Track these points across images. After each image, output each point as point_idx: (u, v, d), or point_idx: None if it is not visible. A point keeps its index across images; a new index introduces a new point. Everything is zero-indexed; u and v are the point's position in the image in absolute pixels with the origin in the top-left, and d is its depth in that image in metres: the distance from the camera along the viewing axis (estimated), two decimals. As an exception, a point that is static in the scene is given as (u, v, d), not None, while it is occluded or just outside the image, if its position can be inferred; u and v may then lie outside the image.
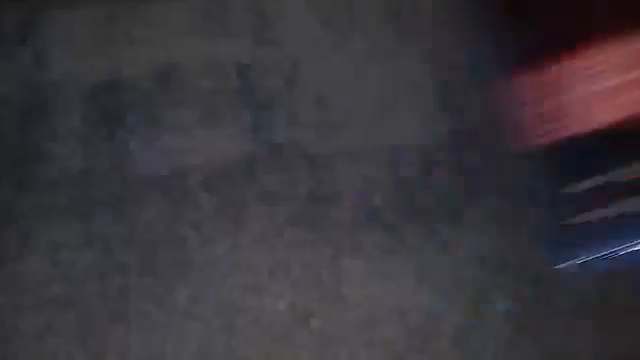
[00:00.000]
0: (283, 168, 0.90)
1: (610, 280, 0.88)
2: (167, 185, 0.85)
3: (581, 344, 0.84)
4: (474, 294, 0.86)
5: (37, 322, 0.71)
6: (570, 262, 0.86)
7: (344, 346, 0.80)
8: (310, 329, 0.80)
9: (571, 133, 0.88)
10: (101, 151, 0.85)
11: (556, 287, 0.88)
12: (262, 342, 0.76)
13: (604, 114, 0.88)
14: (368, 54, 1.01)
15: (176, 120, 0.90)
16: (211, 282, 0.78)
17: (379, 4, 1.01)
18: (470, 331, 0.84)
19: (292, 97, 0.96)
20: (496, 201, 0.93)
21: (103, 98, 0.90)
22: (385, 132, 0.96)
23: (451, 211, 0.92)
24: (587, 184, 0.86)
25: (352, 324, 0.82)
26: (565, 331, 0.86)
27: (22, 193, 0.79)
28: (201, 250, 0.80)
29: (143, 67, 0.94)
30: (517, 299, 0.87)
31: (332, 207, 0.89)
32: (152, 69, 0.94)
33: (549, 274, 0.88)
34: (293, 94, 0.96)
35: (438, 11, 1.02)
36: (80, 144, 0.86)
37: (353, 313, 0.82)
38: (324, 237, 0.86)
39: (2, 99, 0.87)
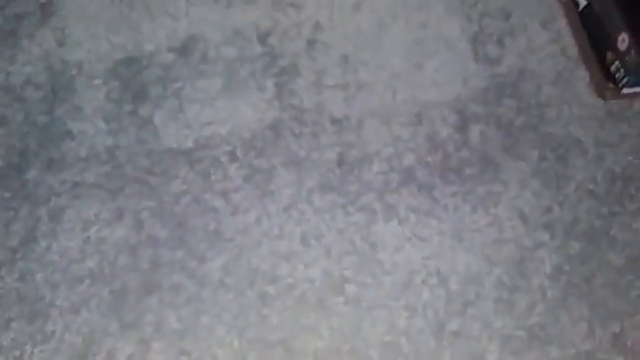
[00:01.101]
0: (310, 133, 0.88)
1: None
2: (194, 157, 0.84)
3: (632, 301, 0.79)
4: (517, 253, 0.82)
5: (72, 297, 0.72)
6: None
7: (382, 312, 0.77)
8: (346, 296, 0.78)
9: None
10: (127, 127, 0.85)
11: (606, 242, 0.82)
12: (297, 311, 0.75)
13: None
14: (392, 9, 0.96)
15: (199, 91, 0.89)
16: (243, 252, 0.77)
17: (401, -46, 0.96)
18: (514, 292, 0.80)
19: (315, 60, 0.92)
20: (538, 154, 0.88)
21: (126, 74, 0.89)
22: (415, 89, 0.92)
23: (488, 167, 0.87)
24: None
25: (389, 289, 0.79)
26: (615, 288, 0.80)
27: (52, 172, 0.80)
28: (231, 220, 0.79)
29: (163, 41, 0.93)
30: (564, 257, 0.82)
31: (363, 170, 0.86)
32: (172, 42, 0.93)
33: (599, 227, 0.83)
34: (316, 56, 0.93)
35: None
36: (106, 121, 0.85)
37: (390, 278, 0.80)
38: (356, 202, 0.84)
39: (28, 80, 0.87)
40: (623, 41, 0.88)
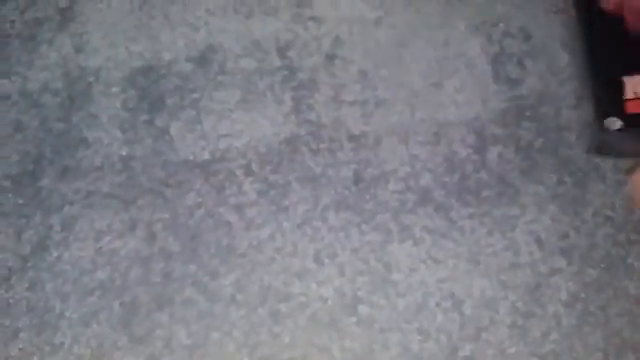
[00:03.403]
0: (327, 149, 0.87)
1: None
2: (209, 169, 0.83)
3: (652, 332, 0.78)
4: (533, 279, 0.81)
5: (83, 308, 0.71)
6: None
7: (394, 335, 0.76)
8: (358, 316, 0.77)
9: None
10: (142, 137, 0.84)
11: (623, 270, 0.81)
12: (308, 330, 0.74)
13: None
14: (412, 26, 0.95)
15: (216, 103, 0.88)
16: (255, 268, 0.76)
17: (425, -28, 0.95)
18: (529, 319, 0.79)
19: (334, 75, 0.92)
20: (556, 179, 0.87)
21: (143, 83, 0.89)
22: (434, 108, 0.91)
23: (506, 190, 0.86)
24: None
25: (402, 312, 0.78)
26: (632, 318, 0.79)
27: (66, 180, 0.79)
28: (245, 235, 0.78)
29: (182, 50, 0.92)
30: (580, 284, 0.81)
31: (379, 189, 0.85)
32: (191, 52, 0.92)
33: (616, 255, 0.81)
34: (335, 72, 0.92)
35: (489, -23, 0.95)
36: (122, 130, 0.85)
37: (403, 300, 0.78)
38: (371, 220, 0.83)
39: (45, 87, 0.87)
40: None
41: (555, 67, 0.97)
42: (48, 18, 0.92)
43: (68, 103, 0.86)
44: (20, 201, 0.77)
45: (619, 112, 0.72)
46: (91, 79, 0.88)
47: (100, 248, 0.74)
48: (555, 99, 0.94)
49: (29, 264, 0.73)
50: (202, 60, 0.92)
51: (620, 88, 0.73)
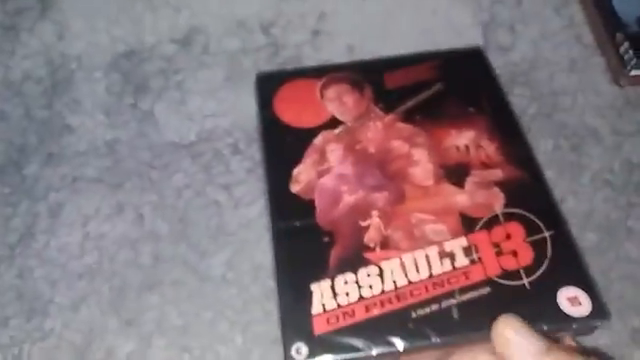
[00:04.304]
0: (315, 125, 0.85)
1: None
2: (196, 150, 0.82)
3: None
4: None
5: (72, 294, 0.70)
6: None
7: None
8: (352, 290, 0.75)
9: None
10: (127, 120, 0.83)
11: (624, 233, 0.79)
12: (302, 306, 0.72)
13: None
14: (399, -4, 0.93)
15: (201, 83, 0.87)
16: (246, 246, 0.75)
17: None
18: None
19: (320, 50, 0.90)
20: (552, 144, 0.85)
21: (126, 67, 0.88)
22: (423, 78, 0.89)
23: (500, 158, 0.84)
24: None
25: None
26: (634, 281, 0.77)
27: (51, 167, 0.79)
28: (234, 214, 0.77)
29: (165, 32, 0.91)
30: (581, 248, 0.78)
31: (370, 162, 0.83)
32: (174, 34, 0.91)
33: (616, 218, 0.79)
34: (321, 46, 0.90)
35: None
36: (106, 114, 0.84)
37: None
38: (363, 194, 0.81)
39: (27, 75, 0.86)
40: None
41: (547, 32, 0.94)
42: (28, 7, 0.91)
43: (51, 90, 0.85)
44: (6, 190, 0.76)
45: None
46: (73, 65, 0.87)
47: (88, 233, 0.73)
48: (548, 64, 0.92)
49: (17, 252, 0.72)
50: (185, 41, 0.91)
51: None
